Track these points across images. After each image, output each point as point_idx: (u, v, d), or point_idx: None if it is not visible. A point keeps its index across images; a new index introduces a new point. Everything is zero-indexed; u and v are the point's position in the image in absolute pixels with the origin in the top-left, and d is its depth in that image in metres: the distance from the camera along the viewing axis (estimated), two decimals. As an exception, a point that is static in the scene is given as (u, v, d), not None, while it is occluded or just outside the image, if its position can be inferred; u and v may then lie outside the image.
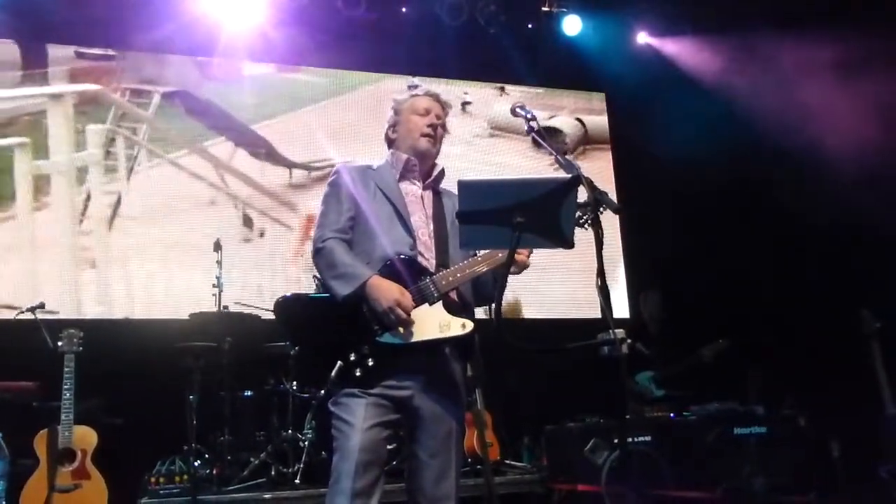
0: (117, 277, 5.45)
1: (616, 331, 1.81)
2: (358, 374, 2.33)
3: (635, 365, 4.99)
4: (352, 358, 2.34)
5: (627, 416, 4.22)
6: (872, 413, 4.16)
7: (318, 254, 2.45)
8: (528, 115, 2.28)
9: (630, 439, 4.02)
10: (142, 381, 4.63)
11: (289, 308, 2.46)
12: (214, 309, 4.56)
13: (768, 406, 4.45)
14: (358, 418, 2.32)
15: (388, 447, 2.48)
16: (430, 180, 2.61)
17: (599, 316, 1.92)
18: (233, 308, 4.72)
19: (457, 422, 2.54)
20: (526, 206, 1.82)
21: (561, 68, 6.59)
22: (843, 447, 4.41)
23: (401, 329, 2.34)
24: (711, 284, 5.82)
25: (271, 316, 4.62)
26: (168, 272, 5.52)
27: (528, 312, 6.06)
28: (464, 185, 1.87)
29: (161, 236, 5.57)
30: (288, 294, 2.50)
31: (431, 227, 2.53)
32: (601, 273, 1.86)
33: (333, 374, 2.33)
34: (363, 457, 2.29)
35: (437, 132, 2.60)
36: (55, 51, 5.73)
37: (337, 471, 2.30)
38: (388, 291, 2.33)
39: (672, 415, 4.29)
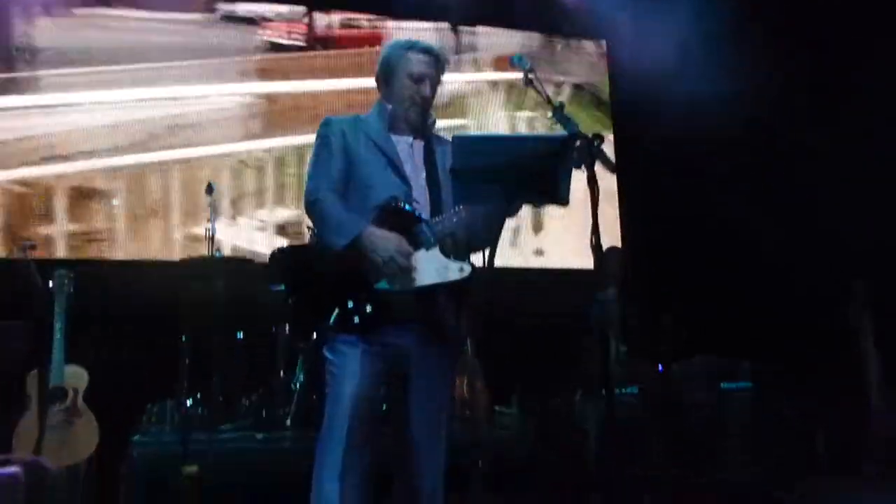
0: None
1: (609, 291, 1.85)
2: (356, 321, 2.38)
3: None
4: (350, 305, 2.39)
5: (618, 368, 4.30)
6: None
7: (312, 207, 2.48)
8: (527, 67, 2.28)
9: (617, 391, 4.11)
10: (133, 322, 4.69)
11: (285, 259, 2.49)
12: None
13: (753, 361, 4.53)
14: (354, 366, 2.39)
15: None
16: (421, 131, 2.62)
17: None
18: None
19: (449, 372, 2.62)
20: (521, 163, 1.84)
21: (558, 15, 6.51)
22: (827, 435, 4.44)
23: (399, 276, 2.38)
24: (700, 241, 5.86)
25: (263, 260, 4.68)
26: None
27: (523, 261, 6.12)
28: (458, 141, 1.90)
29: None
30: (284, 244, 2.53)
31: (424, 175, 2.55)
32: (595, 231, 1.90)
33: (331, 321, 2.38)
34: (357, 404, 2.36)
35: (429, 102, 2.59)
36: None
37: (330, 418, 2.37)
38: (384, 240, 2.37)
39: (660, 367, 4.38)
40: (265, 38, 5.97)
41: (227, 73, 5.82)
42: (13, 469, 2.09)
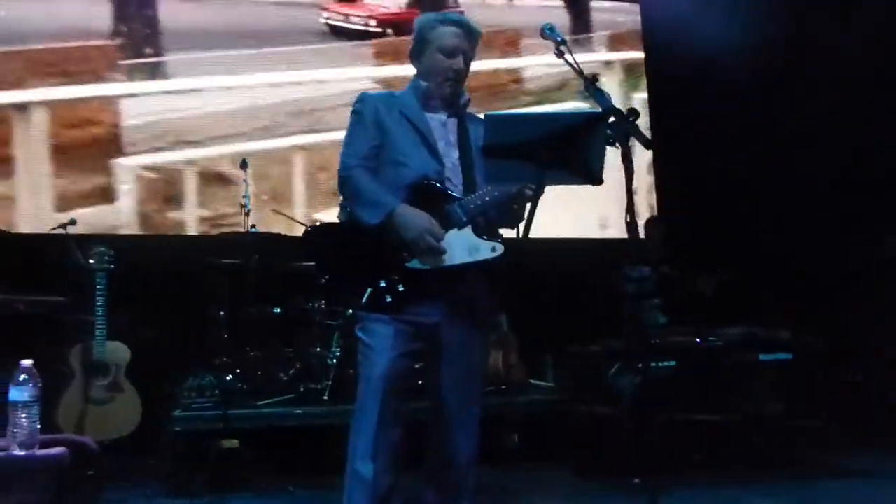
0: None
1: (644, 269, 1.81)
2: (388, 299, 2.38)
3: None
4: (382, 284, 2.39)
5: (653, 341, 4.26)
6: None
7: (345, 183, 2.47)
8: (559, 38, 2.23)
9: (654, 364, 4.08)
10: (172, 297, 4.76)
11: (318, 237, 2.49)
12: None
13: (791, 331, 4.46)
14: (386, 345, 2.39)
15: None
16: (455, 108, 2.59)
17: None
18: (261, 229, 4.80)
19: (481, 349, 2.62)
20: (553, 141, 1.80)
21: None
22: (865, 375, 4.43)
23: (430, 255, 2.37)
24: (735, 207, 5.78)
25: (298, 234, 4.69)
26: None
27: (558, 231, 6.05)
28: (489, 119, 1.87)
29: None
30: (317, 223, 2.53)
31: (457, 153, 2.53)
32: (630, 209, 1.86)
33: (364, 300, 2.39)
34: (390, 384, 2.36)
35: (462, 76, 2.55)
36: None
37: (363, 397, 2.38)
38: (416, 219, 2.36)
39: (697, 340, 4.32)
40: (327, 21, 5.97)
41: (343, 57, 5.91)
42: (59, 450, 2.13)
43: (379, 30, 6.04)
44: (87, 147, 5.33)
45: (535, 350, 5.00)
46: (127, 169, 5.36)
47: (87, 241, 4.33)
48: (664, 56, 6.36)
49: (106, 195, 5.29)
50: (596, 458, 4.07)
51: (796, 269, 5.38)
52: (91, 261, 4.08)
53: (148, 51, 5.58)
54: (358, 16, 6.04)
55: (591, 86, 1.98)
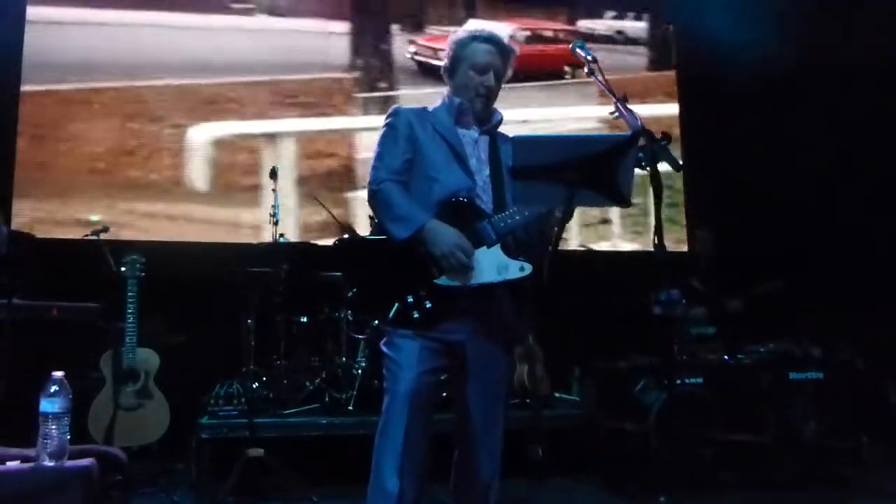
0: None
1: (673, 291, 1.79)
2: (416, 316, 2.37)
3: (687, 301, 4.97)
4: (409, 300, 2.38)
5: (680, 358, 4.22)
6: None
7: (374, 196, 2.47)
8: (590, 57, 2.21)
9: (680, 381, 4.03)
10: (200, 305, 4.80)
11: (346, 251, 2.49)
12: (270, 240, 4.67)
13: (825, 349, 4.38)
14: (412, 362, 2.37)
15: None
16: (487, 126, 2.59)
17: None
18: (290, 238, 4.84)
19: (507, 367, 2.60)
20: (582, 163, 1.79)
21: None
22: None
23: (459, 272, 2.37)
24: (771, 221, 5.70)
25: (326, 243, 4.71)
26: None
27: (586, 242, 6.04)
28: (517, 141, 1.86)
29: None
30: (345, 236, 2.53)
31: (488, 170, 2.53)
32: (658, 231, 1.84)
33: (391, 315, 2.38)
34: (415, 401, 2.35)
35: (493, 92, 2.55)
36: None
37: (388, 414, 2.36)
38: (446, 235, 2.35)
39: (725, 357, 4.27)
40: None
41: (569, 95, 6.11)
42: (88, 461, 2.15)
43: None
44: (323, 178, 5.61)
45: (561, 363, 4.97)
46: (362, 203, 5.46)
47: (120, 248, 4.39)
48: (696, 74, 6.32)
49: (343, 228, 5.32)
50: (621, 474, 4.03)
51: (831, 284, 5.30)
52: (123, 268, 4.13)
53: (382, 84, 5.82)
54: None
55: (620, 105, 1.97)
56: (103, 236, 4.50)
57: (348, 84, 5.82)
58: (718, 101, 6.11)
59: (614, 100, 2.07)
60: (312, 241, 5.26)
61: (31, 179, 5.39)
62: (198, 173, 5.61)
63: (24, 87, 5.48)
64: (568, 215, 1.99)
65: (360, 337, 4.48)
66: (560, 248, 2.14)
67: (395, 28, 6.05)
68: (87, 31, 5.66)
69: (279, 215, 4.73)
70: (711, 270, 5.20)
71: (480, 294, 2.41)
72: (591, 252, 5.49)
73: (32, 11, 5.58)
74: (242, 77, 5.68)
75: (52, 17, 5.62)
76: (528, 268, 2.39)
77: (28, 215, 5.33)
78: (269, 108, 5.68)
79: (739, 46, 5.66)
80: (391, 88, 5.84)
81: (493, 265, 2.39)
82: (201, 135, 5.64)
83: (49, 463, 2.08)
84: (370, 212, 2.76)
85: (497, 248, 2.40)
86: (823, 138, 5.65)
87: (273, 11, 5.91)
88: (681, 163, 1.87)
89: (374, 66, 5.88)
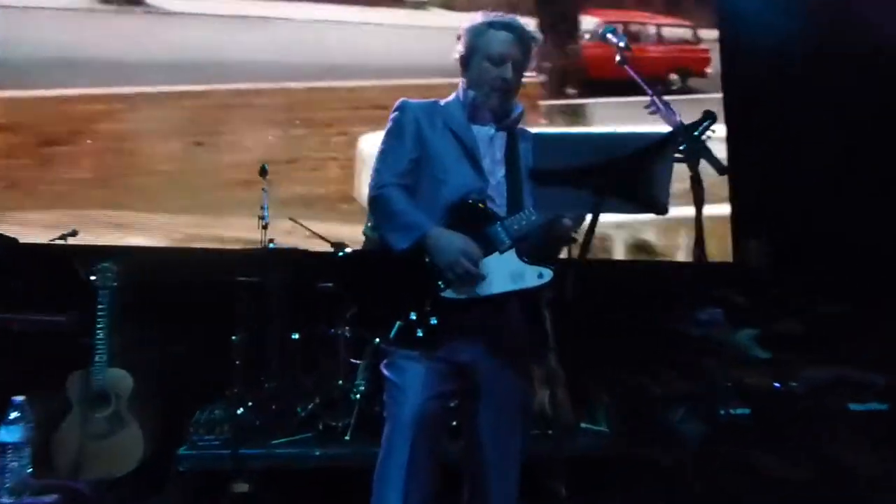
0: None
1: (715, 311, 1.79)
2: (420, 334, 2.38)
3: (735, 320, 4.94)
4: (412, 317, 2.39)
5: (724, 384, 4.20)
6: None
7: (375, 202, 2.49)
8: (622, 44, 2.21)
9: (724, 410, 4.01)
10: (180, 319, 4.80)
11: (345, 262, 2.51)
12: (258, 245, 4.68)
13: (891, 378, 4.34)
14: (416, 386, 2.40)
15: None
16: (505, 122, 2.60)
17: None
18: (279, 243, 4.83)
19: (524, 392, 2.60)
20: (612, 166, 1.78)
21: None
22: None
23: (467, 282, 2.37)
24: (833, 229, 5.65)
25: (321, 249, 4.72)
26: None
27: (619, 252, 6.02)
28: (538, 140, 1.85)
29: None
30: (347, 249, 2.56)
31: (503, 171, 2.54)
32: (700, 243, 1.83)
33: (392, 334, 2.39)
34: (420, 431, 2.36)
35: (511, 85, 2.54)
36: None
37: (389, 446, 2.38)
38: (450, 242, 2.37)
39: (776, 384, 4.24)
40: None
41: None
42: (51, 499, 2.16)
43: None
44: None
45: (586, 388, 4.94)
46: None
47: (91, 254, 4.40)
48: (741, 67, 6.29)
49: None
50: (656, 515, 4.01)
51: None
52: (93, 277, 4.14)
53: (571, 91, 5.78)
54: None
55: (655, 99, 1.96)
56: (71, 240, 4.53)
57: (531, 90, 5.72)
58: (769, 88, 6.05)
59: (650, 93, 2.07)
60: (307, 249, 5.25)
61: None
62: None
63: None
64: (594, 223, 1.99)
65: (356, 361, 4.47)
66: (589, 256, 2.13)
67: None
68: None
69: (269, 217, 4.75)
70: (761, 285, 5.16)
71: (492, 307, 2.43)
72: (621, 263, 5.47)
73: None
74: (411, 80, 5.62)
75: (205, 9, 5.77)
76: (548, 274, 2.39)
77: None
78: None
79: (795, 20, 5.63)
80: (582, 95, 5.77)
81: (507, 273, 2.40)
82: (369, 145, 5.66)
83: (8, 500, 2.08)
84: (369, 222, 2.77)
85: (511, 254, 2.42)
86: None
87: (448, 5, 5.87)
88: (725, 164, 1.85)
89: (561, 70, 5.78)
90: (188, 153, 5.55)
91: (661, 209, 1.86)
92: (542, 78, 5.66)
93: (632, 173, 1.79)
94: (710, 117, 1.92)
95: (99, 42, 5.59)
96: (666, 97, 2.04)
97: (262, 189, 4.78)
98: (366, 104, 5.66)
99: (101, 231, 5.40)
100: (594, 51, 5.86)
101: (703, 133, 1.91)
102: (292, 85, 5.63)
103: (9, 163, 5.51)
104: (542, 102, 5.74)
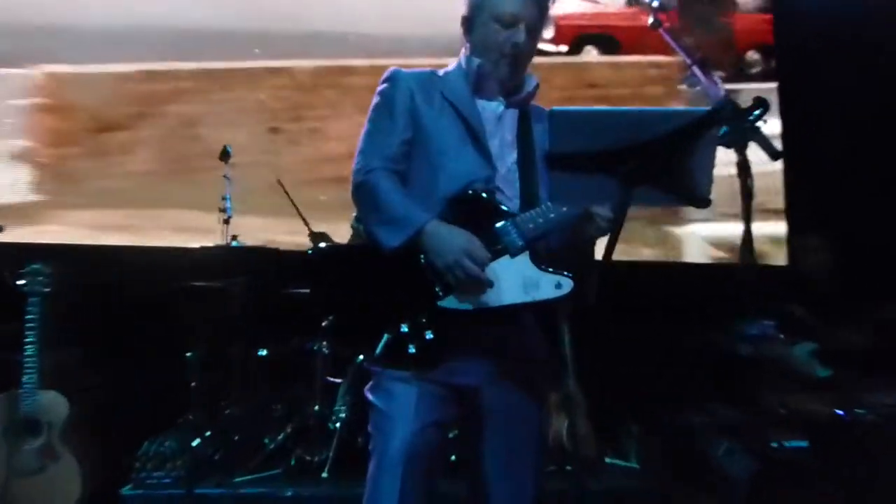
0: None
1: (766, 323, 1.80)
2: (412, 350, 2.37)
3: (791, 333, 4.94)
4: (403, 329, 2.38)
5: (777, 412, 4.20)
6: None
7: (360, 190, 2.48)
8: (655, 3, 2.21)
9: (778, 443, 4.02)
10: (127, 332, 4.81)
11: (323, 263, 2.51)
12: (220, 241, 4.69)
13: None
14: (407, 413, 2.40)
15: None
16: (516, 97, 2.59)
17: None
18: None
19: (538, 418, 2.60)
20: (644, 149, 1.78)
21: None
22: None
23: (471, 290, 2.36)
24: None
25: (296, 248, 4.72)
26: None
27: (648, 252, 6.04)
28: (556, 117, 1.84)
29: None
30: (322, 245, 2.55)
31: (515, 155, 2.53)
32: (748, 242, 1.82)
33: (378, 350, 2.38)
34: (411, 467, 2.36)
35: (524, 52, 2.54)
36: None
37: (375, 485, 2.38)
38: (452, 240, 2.36)
39: (839, 411, 4.24)
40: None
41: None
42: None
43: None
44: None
45: (612, 417, 4.96)
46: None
47: (20, 253, 4.40)
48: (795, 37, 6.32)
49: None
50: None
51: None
52: (20, 281, 4.13)
53: (718, 74, 5.75)
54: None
55: (694, 71, 1.96)
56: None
57: (670, 72, 5.79)
58: (828, 69, 6.08)
59: (690, 63, 2.07)
60: (278, 248, 5.26)
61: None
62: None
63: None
64: (622, 217, 1.98)
65: (336, 381, 4.48)
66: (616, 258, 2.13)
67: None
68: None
69: (232, 210, 4.76)
70: (822, 293, 5.16)
71: (501, 320, 2.42)
72: (653, 266, 5.48)
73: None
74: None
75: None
76: (568, 284, 2.38)
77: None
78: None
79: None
80: (731, 79, 5.83)
81: (519, 281, 2.39)
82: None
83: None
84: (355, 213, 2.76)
85: (525, 258, 2.41)
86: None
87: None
88: (780, 149, 1.85)
89: (708, 49, 5.81)
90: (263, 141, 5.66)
91: (703, 201, 1.85)
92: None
93: (668, 158, 1.79)
94: (761, 105, 1.91)
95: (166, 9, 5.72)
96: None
97: (224, 176, 4.80)
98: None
99: (162, 235, 5.51)
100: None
101: (754, 123, 1.91)
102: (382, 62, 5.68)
103: (58, 152, 5.62)
104: (684, 87, 5.80)
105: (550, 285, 2.38)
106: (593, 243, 2.45)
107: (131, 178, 5.61)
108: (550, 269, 2.40)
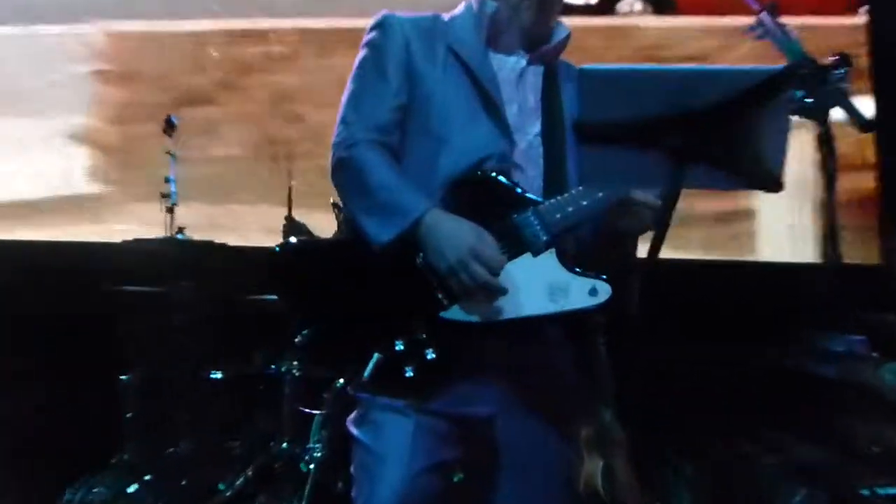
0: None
1: (854, 338, 1.82)
2: (409, 373, 2.38)
3: (884, 350, 4.97)
4: (398, 346, 2.39)
5: (868, 450, 4.22)
6: None
7: (341, 169, 2.49)
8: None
9: (869, 490, 4.03)
10: (45, 348, 4.82)
11: (293, 263, 2.51)
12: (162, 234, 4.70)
13: None
14: (401, 452, 2.41)
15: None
16: (541, 49, 2.59)
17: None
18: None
19: (566, 458, 2.62)
20: (699, 118, 1.78)
21: None
22: None
23: (482, 297, 2.36)
24: None
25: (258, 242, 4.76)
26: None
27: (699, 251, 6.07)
28: (588, 77, 1.84)
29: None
30: (291, 240, 2.55)
31: (539, 125, 2.54)
32: (833, 236, 1.84)
33: (367, 373, 2.39)
34: None
35: None
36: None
37: None
38: (458, 235, 2.35)
39: None
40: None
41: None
42: None
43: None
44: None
45: (657, 455, 4.98)
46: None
47: None
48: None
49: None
50: None
51: None
52: None
53: None
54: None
55: (768, 20, 1.97)
56: None
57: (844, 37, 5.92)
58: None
59: (758, 9, 2.08)
60: (238, 245, 5.27)
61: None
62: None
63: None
64: (671, 204, 1.98)
65: (312, 412, 4.50)
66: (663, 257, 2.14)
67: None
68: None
69: (176, 197, 4.78)
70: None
71: (520, 336, 2.43)
72: (711, 266, 5.49)
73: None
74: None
75: None
76: (605, 290, 2.38)
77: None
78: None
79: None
80: None
81: (543, 286, 2.40)
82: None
83: None
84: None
85: (550, 258, 2.41)
86: None
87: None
88: (869, 118, 1.86)
89: None
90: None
91: (774, 184, 1.85)
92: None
93: (729, 129, 1.79)
94: (844, 62, 1.92)
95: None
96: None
97: (168, 153, 4.81)
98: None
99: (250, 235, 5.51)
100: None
101: (838, 84, 1.92)
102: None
103: (123, 130, 5.68)
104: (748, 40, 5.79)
105: (583, 291, 2.39)
106: (636, 238, 2.46)
107: (211, 163, 5.66)
108: (583, 272, 2.40)
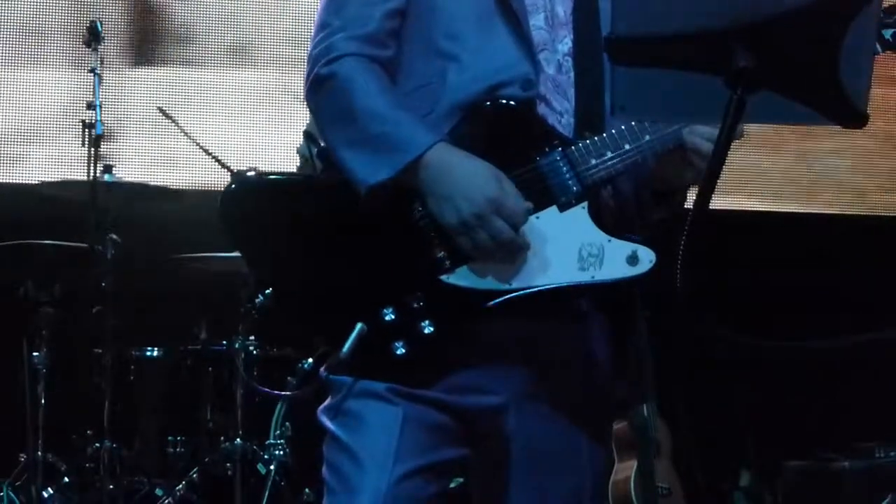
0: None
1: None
2: (399, 350, 2.37)
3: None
4: (388, 317, 2.39)
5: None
6: None
7: (321, 88, 2.48)
8: None
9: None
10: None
11: (251, 204, 2.50)
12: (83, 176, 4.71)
13: None
14: (384, 450, 2.39)
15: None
16: None
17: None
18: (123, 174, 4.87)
19: (593, 460, 2.63)
20: (762, 35, 1.79)
21: None
22: None
23: (497, 260, 2.37)
24: None
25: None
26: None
27: (757, 202, 6.09)
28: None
29: None
30: (249, 172, 2.55)
31: (570, 43, 2.55)
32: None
33: (345, 349, 2.38)
34: None
35: None
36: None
37: None
38: (472, 178, 2.34)
39: None
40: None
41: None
42: None
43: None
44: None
45: (713, 460, 5.03)
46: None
47: None
48: None
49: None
50: None
51: None
52: None
53: None
54: None
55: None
56: None
57: None
58: None
59: None
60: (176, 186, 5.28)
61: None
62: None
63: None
64: (727, 142, 2.00)
65: (276, 393, 4.53)
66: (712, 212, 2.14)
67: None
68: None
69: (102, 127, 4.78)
70: None
71: (542, 311, 2.44)
72: (770, 216, 5.51)
73: None
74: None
75: None
76: (648, 257, 2.36)
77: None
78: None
79: None
80: None
81: (573, 250, 2.39)
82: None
83: None
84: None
85: (582, 214, 2.40)
86: None
87: None
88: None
89: None
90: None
91: (857, 116, 1.86)
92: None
93: (803, 49, 1.81)
94: None
95: None
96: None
97: (91, 70, 4.80)
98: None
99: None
100: None
101: None
102: None
103: None
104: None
105: (620, 258, 2.37)
106: (685, 191, 2.47)
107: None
108: (622, 234, 2.39)
